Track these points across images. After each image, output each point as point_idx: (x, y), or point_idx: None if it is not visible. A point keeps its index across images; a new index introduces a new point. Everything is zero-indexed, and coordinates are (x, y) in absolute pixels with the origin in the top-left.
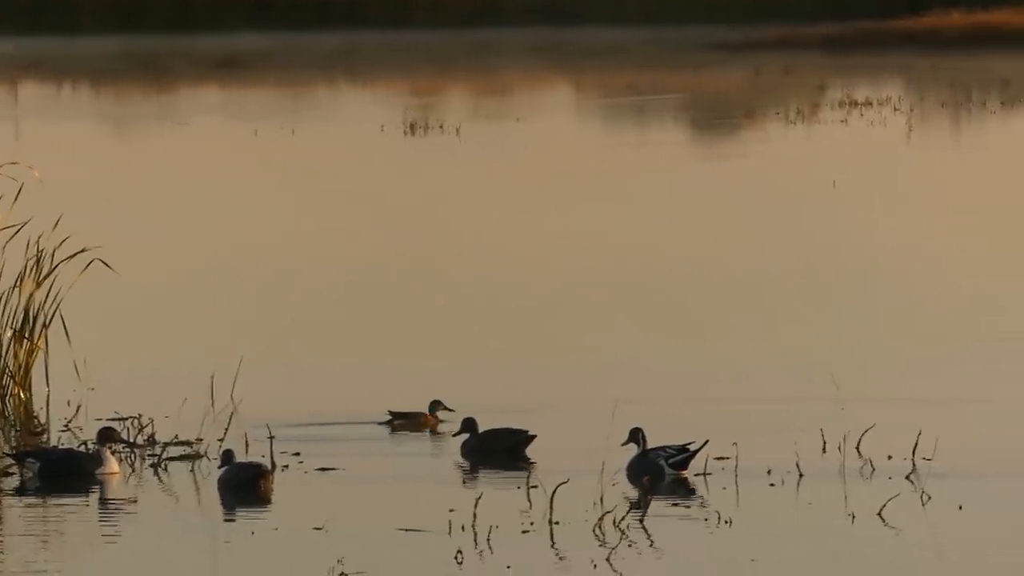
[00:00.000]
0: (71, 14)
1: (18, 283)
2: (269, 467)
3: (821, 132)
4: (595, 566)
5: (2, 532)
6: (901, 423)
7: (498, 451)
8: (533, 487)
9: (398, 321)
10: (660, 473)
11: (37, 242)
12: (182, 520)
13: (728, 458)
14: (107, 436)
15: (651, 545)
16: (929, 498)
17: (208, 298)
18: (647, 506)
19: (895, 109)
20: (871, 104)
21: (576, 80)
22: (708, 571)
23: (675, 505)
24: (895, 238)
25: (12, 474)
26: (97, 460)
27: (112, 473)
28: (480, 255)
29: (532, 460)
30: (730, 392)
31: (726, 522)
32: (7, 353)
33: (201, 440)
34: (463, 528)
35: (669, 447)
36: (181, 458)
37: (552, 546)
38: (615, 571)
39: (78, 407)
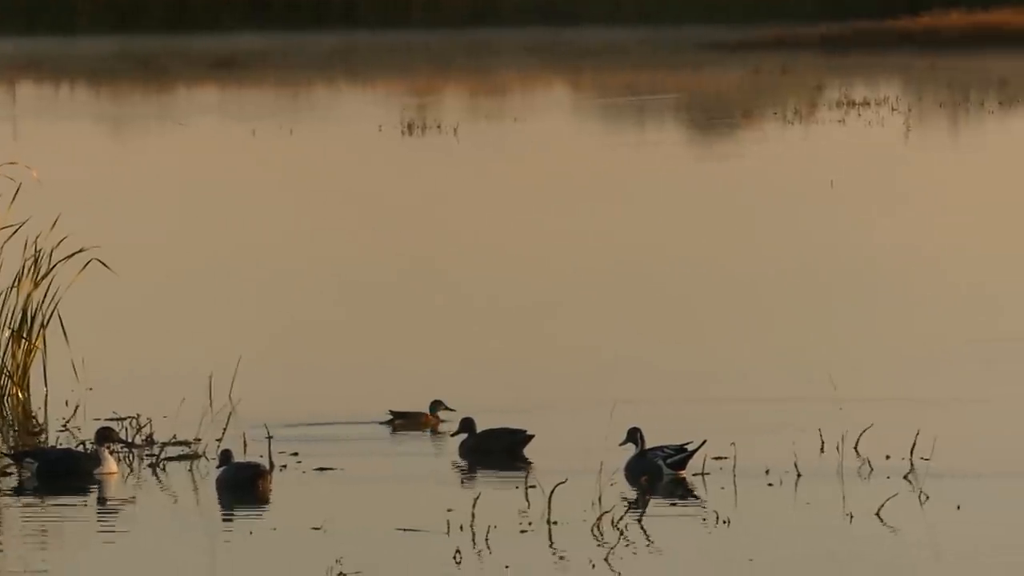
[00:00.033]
0: (68, 14)
1: (16, 283)
2: (267, 467)
3: (819, 132)
4: (593, 566)
5: (0, 532)
6: (899, 423)
7: (496, 451)
8: (531, 487)
9: (396, 321)
10: (658, 473)
11: (35, 242)
12: (180, 520)
13: (726, 458)
14: (105, 436)
15: (649, 545)
16: (927, 498)
17: (206, 298)
18: (645, 506)
19: (893, 109)
20: (869, 104)
21: (574, 80)
22: (706, 571)
23: (673, 505)
24: (893, 238)
25: (10, 474)
26: (95, 460)
27: (110, 473)
28: (478, 255)
29: (530, 460)
30: (728, 392)
31: (724, 522)
32: (5, 353)
33: (199, 440)
34: (461, 528)
35: (667, 447)
36: (179, 458)
37: (550, 546)
38: (613, 571)
39: (76, 407)
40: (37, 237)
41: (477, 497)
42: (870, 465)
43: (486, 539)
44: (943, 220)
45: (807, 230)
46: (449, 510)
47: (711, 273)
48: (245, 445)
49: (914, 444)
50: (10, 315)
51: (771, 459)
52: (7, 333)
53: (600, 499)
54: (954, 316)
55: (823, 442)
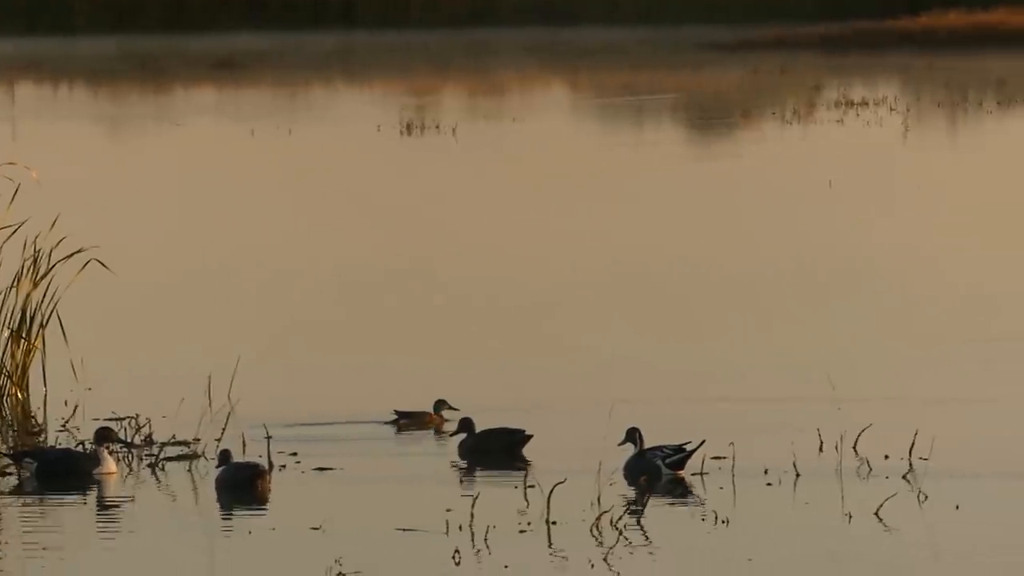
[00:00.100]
0: (67, 15)
1: (15, 283)
2: (266, 467)
3: (817, 132)
4: (592, 566)
5: (0, 532)
6: (898, 423)
7: (495, 451)
8: (530, 487)
9: (395, 321)
10: (657, 473)
11: (34, 242)
12: (179, 520)
13: (725, 458)
14: (104, 436)
15: (648, 545)
16: (926, 498)
17: (205, 298)
18: (644, 506)
19: (891, 109)
20: (867, 104)
21: (572, 80)
22: (705, 570)
23: (672, 505)
24: (891, 238)
25: (10, 474)
26: (94, 460)
27: (109, 473)
28: (476, 255)
29: (529, 460)
30: (727, 392)
31: (723, 522)
32: (4, 353)
33: (198, 440)
34: (460, 528)
35: (666, 447)
36: (178, 458)
37: (549, 546)
38: (612, 571)
39: (75, 407)
40: (36, 237)
41: (476, 497)
42: (869, 465)
43: (485, 539)
44: (942, 220)
45: (806, 230)
46: (448, 510)
47: (710, 273)
48: (244, 445)
49: (913, 444)
50: (9, 315)
51: (770, 459)
52: (6, 333)
53: (599, 499)
54: (953, 316)
55: (822, 442)
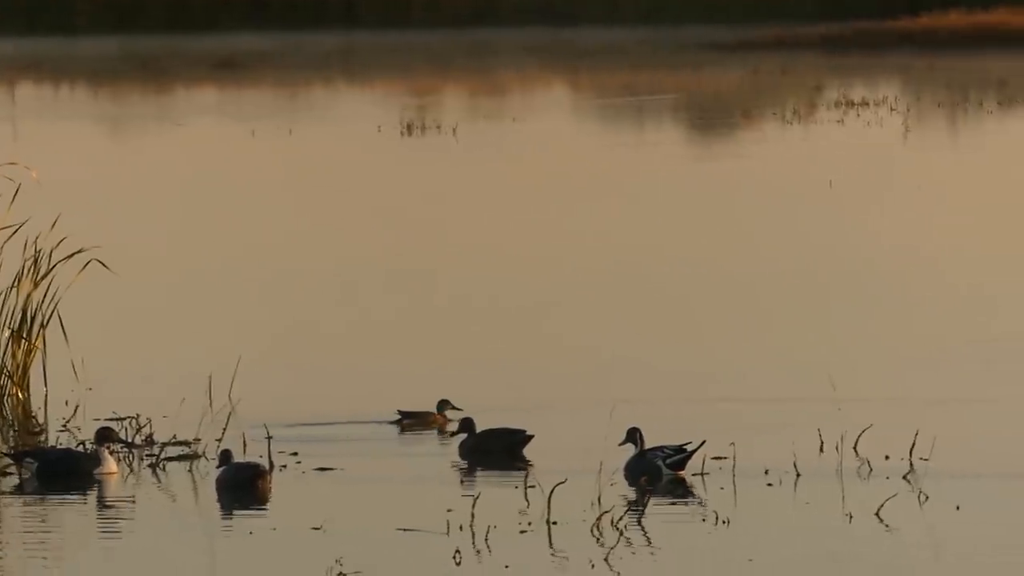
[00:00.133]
0: (68, 15)
1: (16, 283)
2: (267, 467)
3: (818, 132)
4: (593, 566)
5: (1, 531)
6: (898, 423)
7: (496, 451)
8: (531, 487)
9: (395, 321)
10: (658, 473)
11: (35, 242)
12: (180, 520)
13: (726, 458)
14: (105, 436)
15: (649, 545)
16: (926, 498)
17: (206, 298)
18: (645, 506)
19: (892, 109)
20: (868, 104)
21: (573, 80)
22: (706, 571)
23: (673, 505)
24: (892, 238)
25: (10, 474)
26: (95, 460)
27: (110, 473)
28: (477, 255)
29: (530, 460)
30: (727, 392)
31: (724, 522)
32: (5, 353)
33: (199, 440)
34: (461, 528)
35: (667, 447)
36: (179, 458)
37: (550, 546)
38: (613, 571)
39: (76, 407)
40: (37, 237)
41: (477, 497)
42: (869, 465)
43: (486, 539)
44: (942, 220)
45: (806, 230)
46: (449, 510)
47: (710, 273)
48: (245, 445)
49: (913, 444)
50: (10, 315)
51: (770, 459)
52: (7, 333)
53: (600, 499)
54: (953, 316)
55: (822, 442)
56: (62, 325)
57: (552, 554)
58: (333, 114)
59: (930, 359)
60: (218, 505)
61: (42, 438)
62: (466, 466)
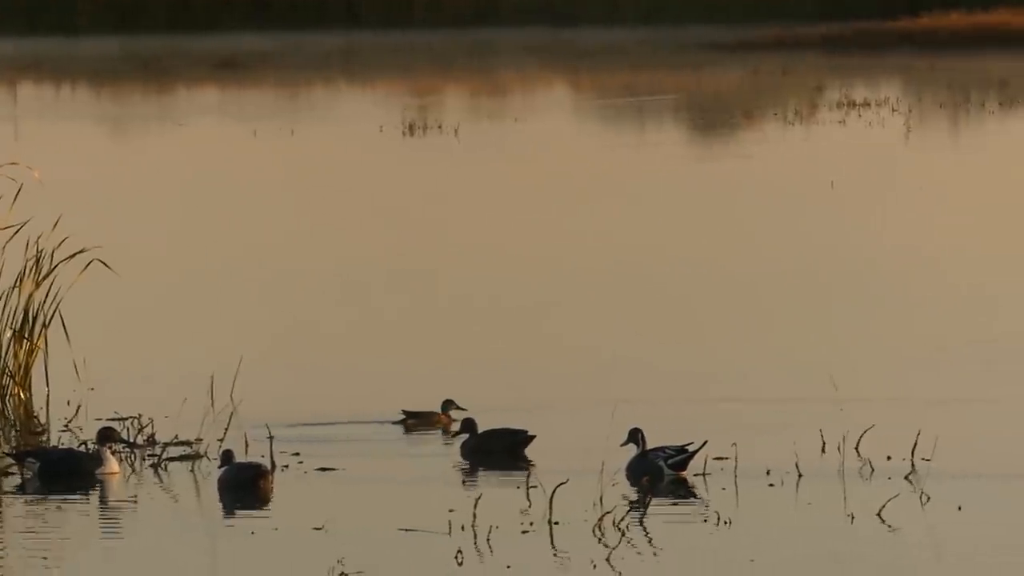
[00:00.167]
0: (69, 15)
1: (18, 283)
2: (269, 467)
3: (819, 133)
4: (594, 566)
5: (2, 532)
6: (900, 423)
7: (497, 451)
8: (533, 487)
9: (397, 321)
10: (659, 473)
11: (37, 242)
12: (182, 520)
13: (727, 458)
14: (107, 436)
15: (650, 545)
16: (928, 498)
17: (207, 298)
18: (646, 506)
19: (893, 110)
20: (869, 105)
21: (574, 80)
22: (707, 571)
23: (674, 505)
24: (893, 239)
25: (12, 474)
26: (97, 460)
27: (112, 473)
28: (479, 255)
29: (532, 460)
30: (729, 392)
31: (725, 522)
32: (7, 353)
33: (201, 440)
34: (463, 528)
35: (668, 447)
36: (181, 458)
37: (552, 546)
38: (615, 571)
39: (78, 407)
40: (39, 237)
41: (479, 497)
42: (871, 466)
43: (487, 539)
44: (944, 221)
45: (807, 231)
46: (451, 510)
47: (712, 274)
48: (246, 445)
49: (915, 445)
50: (12, 315)
51: (772, 460)
52: (9, 333)
53: (601, 499)
54: (955, 316)
55: (824, 443)
56: (64, 325)
57: (554, 554)
58: (334, 114)
59: (932, 359)
60: (220, 505)
61: (44, 438)
62: (468, 466)
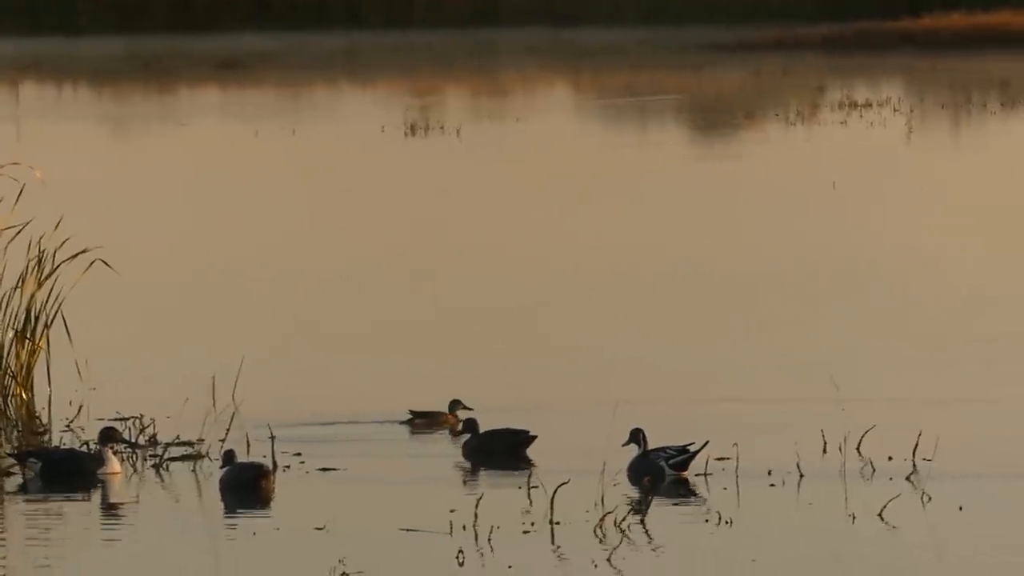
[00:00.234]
0: (71, 15)
1: (20, 283)
2: (270, 467)
3: (820, 133)
4: (596, 566)
5: (4, 532)
6: (901, 424)
7: (499, 451)
8: (534, 487)
9: (399, 321)
10: (660, 474)
11: (38, 243)
12: (183, 520)
13: (728, 459)
14: (109, 436)
15: (652, 545)
16: (929, 499)
17: (209, 298)
18: (648, 506)
19: (895, 110)
20: (871, 105)
21: (575, 81)
22: (708, 571)
23: (676, 505)
24: (894, 239)
25: (14, 474)
26: (99, 460)
27: (114, 473)
28: (480, 255)
29: (533, 460)
30: (730, 393)
31: (727, 522)
32: (9, 353)
33: (202, 440)
34: (464, 528)
35: (669, 448)
36: (182, 458)
37: (553, 546)
38: (616, 571)
39: (80, 407)
40: (40, 237)
41: (480, 497)
42: (872, 466)
43: (489, 539)
44: (945, 221)
45: (809, 231)
46: (452, 510)
47: (713, 274)
48: (248, 445)
49: (916, 445)
50: (14, 315)
51: (773, 460)
52: (11, 333)
53: (603, 500)
54: (956, 317)
55: (825, 443)
56: (66, 325)
57: (555, 554)
58: (336, 114)
59: (933, 359)
60: (221, 505)
61: (46, 438)
62: (469, 466)
